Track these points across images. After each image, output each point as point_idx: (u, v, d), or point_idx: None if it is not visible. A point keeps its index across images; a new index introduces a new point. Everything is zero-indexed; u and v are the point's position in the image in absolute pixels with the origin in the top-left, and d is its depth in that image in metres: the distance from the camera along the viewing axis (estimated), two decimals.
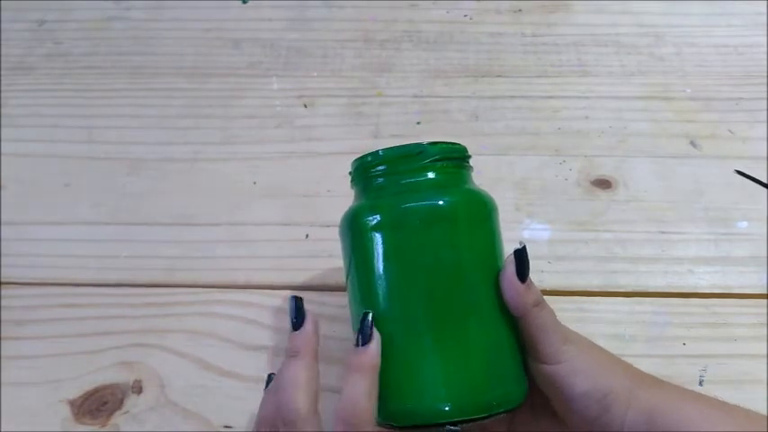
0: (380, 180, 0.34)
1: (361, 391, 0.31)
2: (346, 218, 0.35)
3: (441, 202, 0.33)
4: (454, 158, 0.35)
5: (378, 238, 0.33)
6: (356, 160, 0.36)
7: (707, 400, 0.33)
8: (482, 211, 0.34)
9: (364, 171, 0.35)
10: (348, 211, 0.35)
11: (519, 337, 0.34)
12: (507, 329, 0.33)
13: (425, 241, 0.32)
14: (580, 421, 0.33)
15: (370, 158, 0.35)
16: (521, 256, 0.33)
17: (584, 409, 0.33)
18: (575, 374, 0.33)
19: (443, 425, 0.31)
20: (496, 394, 0.32)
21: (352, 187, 0.37)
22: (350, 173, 0.37)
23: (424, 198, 0.33)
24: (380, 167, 0.34)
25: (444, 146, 0.35)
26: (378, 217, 0.33)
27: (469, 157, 0.37)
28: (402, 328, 0.32)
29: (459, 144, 0.36)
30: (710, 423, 0.31)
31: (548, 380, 0.33)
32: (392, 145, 0.35)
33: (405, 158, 0.34)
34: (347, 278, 0.35)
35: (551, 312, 0.34)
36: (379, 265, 0.33)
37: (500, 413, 0.32)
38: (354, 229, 0.34)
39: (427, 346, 0.32)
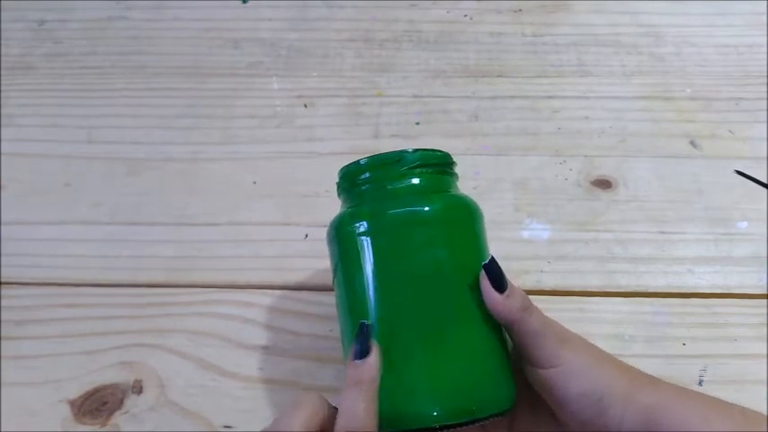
0: (365, 188, 0.35)
1: (360, 407, 0.30)
2: (333, 225, 0.36)
3: (425, 208, 0.33)
4: (435, 165, 0.35)
5: (363, 244, 0.33)
6: (341, 170, 0.37)
7: (704, 399, 0.33)
8: (465, 217, 0.35)
9: (349, 179, 0.36)
10: (335, 218, 0.36)
11: (505, 340, 0.34)
12: (493, 334, 0.33)
13: (410, 247, 0.33)
14: (577, 423, 0.33)
15: (353, 167, 0.36)
16: (490, 269, 0.33)
17: (580, 411, 0.32)
18: (570, 377, 0.32)
19: (431, 429, 0.31)
20: (483, 398, 0.32)
21: (338, 196, 0.38)
22: (336, 183, 0.37)
23: (407, 204, 0.34)
24: (364, 175, 0.35)
25: (425, 153, 0.35)
26: (364, 224, 0.34)
27: (453, 163, 0.37)
28: (389, 333, 0.32)
29: (441, 151, 0.36)
30: (708, 424, 0.31)
31: (543, 383, 0.33)
32: (387, 148, 0.36)
33: (386, 166, 0.35)
34: (334, 282, 0.36)
35: (540, 316, 0.34)
36: (365, 271, 0.33)
37: (487, 417, 0.32)
38: (341, 236, 0.35)
39: (414, 350, 0.32)
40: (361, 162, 0.35)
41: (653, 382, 0.34)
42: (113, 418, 0.42)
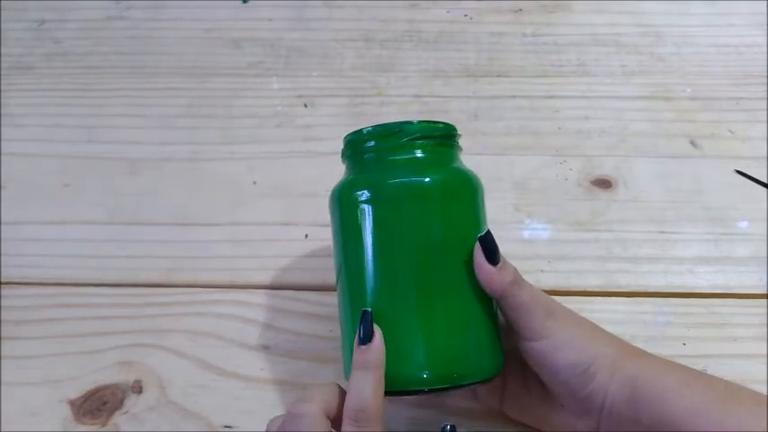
0: (366, 156, 0.36)
1: (368, 389, 0.32)
2: (335, 191, 0.37)
3: (424, 180, 0.34)
4: (436, 137, 0.36)
5: (361, 212, 0.34)
6: (346, 137, 0.37)
7: (688, 370, 0.34)
8: (463, 190, 0.36)
9: (353, 147, 0.37)
10: (337, 184, 0.37)
11: (495, 312, 0.35)
12: (482, 305, 0.34)
13: (406, 217, 0.34)
14: (566, 392, 0.34)
15: (356, 136, 0.36)
16: (485, 241, 0.34)
17: (568, 380, 0.33)
18: (558, 348, 0.33)
19: (420, 392, 0.33)
20: (468, 367, 0.33)
21: (342, 161, 0.38)
22: (341, 150, 0.38)
23: (406, 175, 0.34)
24: (368, 144, 0.36)
25: (427, 125, 0.36)
26: (364, 192, 0.34)
27: (455, 135, 0.37)
28: (384, 299, 0.33)
29: (444, 123, 0.37)
30: (690, 391, 0.32)
31: (533, 355, 0.34)
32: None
33: (388, 136, 0.35)
34: (333, 246, 0.37)
35: (530, 289, 0.35)
36: (362, 238, 0.34)
37: (473, 384, 0.34)
38: (342, 203, 0.36)
39: (408, 317, 0.33)
40: (365, 131, 0.36)
41: (640, 352, 0.35)
42: (113, 418, 0.42)
